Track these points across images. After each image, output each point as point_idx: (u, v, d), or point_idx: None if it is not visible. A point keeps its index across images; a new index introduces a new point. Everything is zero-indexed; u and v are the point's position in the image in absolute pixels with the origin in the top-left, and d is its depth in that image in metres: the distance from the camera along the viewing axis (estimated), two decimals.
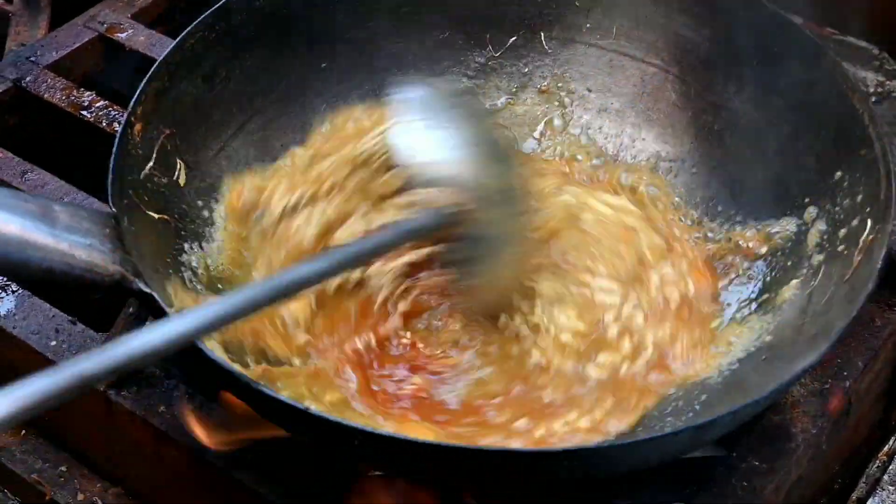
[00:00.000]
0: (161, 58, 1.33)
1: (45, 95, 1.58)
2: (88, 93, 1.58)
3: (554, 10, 1.53)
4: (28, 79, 1.59)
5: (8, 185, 1.47)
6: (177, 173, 1.35)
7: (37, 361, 1.32)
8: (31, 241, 1.09)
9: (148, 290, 1.14)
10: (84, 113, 1.56)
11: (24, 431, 1.41)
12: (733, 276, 1.37)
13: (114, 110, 1.55)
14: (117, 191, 1.22)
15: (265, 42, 1.44)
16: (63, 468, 1.39)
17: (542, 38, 1.54)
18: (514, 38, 1.54)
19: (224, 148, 1.41)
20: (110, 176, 1.23)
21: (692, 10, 1.47)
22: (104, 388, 1.28)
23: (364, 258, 1.16)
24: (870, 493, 1.28)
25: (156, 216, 1.29)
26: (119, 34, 1.66)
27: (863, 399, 1.32)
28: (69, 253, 1.11)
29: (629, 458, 1.10)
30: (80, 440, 1.39)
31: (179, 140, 1.35)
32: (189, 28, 1.36)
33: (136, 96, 1.29)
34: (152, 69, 1.32)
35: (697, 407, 1.22)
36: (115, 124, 1.53)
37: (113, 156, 1.24)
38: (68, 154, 1.57)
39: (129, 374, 1.28)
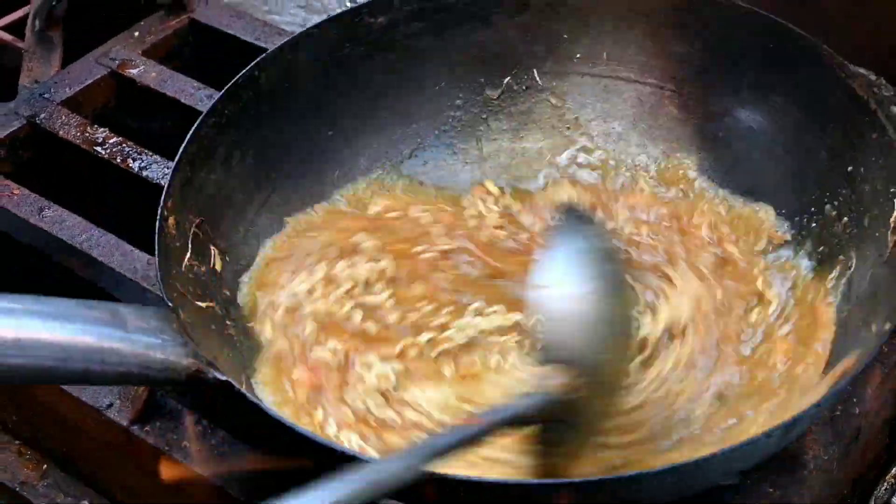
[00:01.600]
0: (181, 149, 1.34)
1: (60, 132, 1.59)
2: (102, 129, 1.58)
3: (543, 46, 1.56)
4: (42, 115, 1.60)
5: (26, 222, 1.47)
6: (213, 260, 1.36)
7: None
8: (107, 348, 1.10)
9: (224, 377, 1.15)
10: (98, 149, 1.56)
11: (45, 466, 1.41)
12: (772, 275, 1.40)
13: (127, 146, 1.56)
14: (167, 285, 1.23)
15: (273, 118, 1.46)
16: (85, 503, 1.38)
17: (536, 74, 1.57)
18: (507, 79, 1.57)
19: (251, 227, 1.43)
20: (158, 273, 1.24)
21: (680, 24, 1.51)
22: (127, 424, 1.28)
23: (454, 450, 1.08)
24: None
25: (203, 305, 1.30)
26: (131, 70, 1.67)
27: (872, 424, 1.35)
28: (144, 353, 1.12)
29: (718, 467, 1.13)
30: (102, 475, 1.39)
31: (210, 227, 1.36)
32: (202, 116, 1.37)
33: (164, 190, 1.30)
34: (175, 161, 1.33)
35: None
36: (130, 160, 1.54)
37: (157, 252, 1.25)
38: (84, 190, 1.58)
39: (151, 408, 1.29)
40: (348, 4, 1.92)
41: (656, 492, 1.10)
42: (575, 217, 1.31)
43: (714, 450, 1.08)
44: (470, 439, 1.07)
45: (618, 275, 1.26)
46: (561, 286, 1.18)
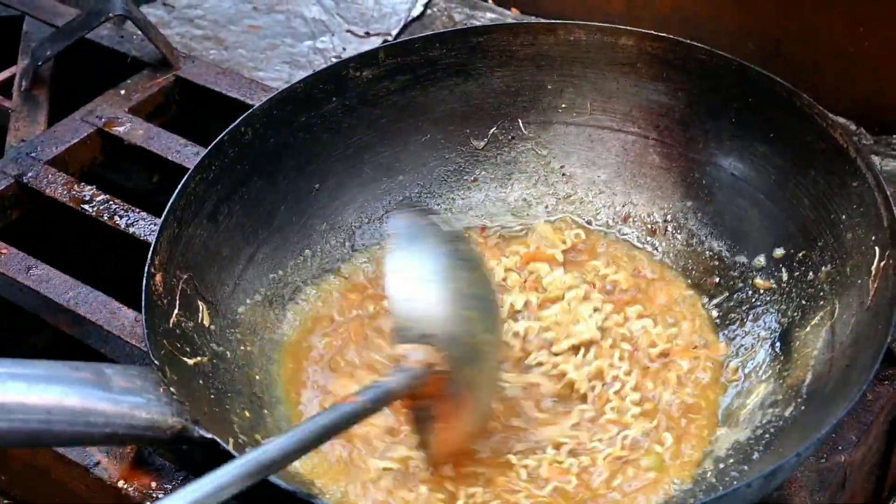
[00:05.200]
0: (168, 205, 1.35)
1: (47, 191, 1.60)
2: (89, 187, 1.59)
3: (528, 97, 1.58)
4: (30, 174, 1.61)
5: (13, 281, 1.48)
6: (201, 315, 1.36)
7: None
8: (92, 409, 1.11)
9: (209, 435, 1.15)
10: (85, 207, 1.57)
11: None
12: (749, 322, 1.40)
13: (114, 204, 1.57)
14: (154, 343, 1.24)
15: (259, 173, 1.47)
16: None
17: (521, 125, 1.59)
18: (493, 130, 1.59)
19: (239, 282, 1.44)
20: (145, 331, 1.25)
21: (661, 76, 1.53)
22: (115, 481, 1.29)
23: (347, 424, 1.16)
24: None
25: (191, 362, 1.30)
26: (117, 128, 1.68)
27: (857, 472, 1.35)
28: (129, 414, 1.13)
29: None
30: None
31: (197, 282, 1.37)
32: (189, 172, 1.39)
33: (152, 247, 1.31)
34: (163, 217, 1.34)
35: (755, 458, 1.25)
36: (116, 218, 1.55)
37: (143, 310, 1.27)
38: (71, 248, 1.59)
39: (139, 466, 1.30)
40: (333, 60, 1.94)
41: None
42: (412, 210, 1.40)
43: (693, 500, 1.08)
44: (345, 420, 1.13)
45: (461, 253, 1.33)
46: (406, 270, 1.27)
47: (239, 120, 1.45)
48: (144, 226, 1.53)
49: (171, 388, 1.18)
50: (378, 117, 1.55)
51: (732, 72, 1.47)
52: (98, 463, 1.30)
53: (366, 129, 1.55)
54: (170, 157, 1.62)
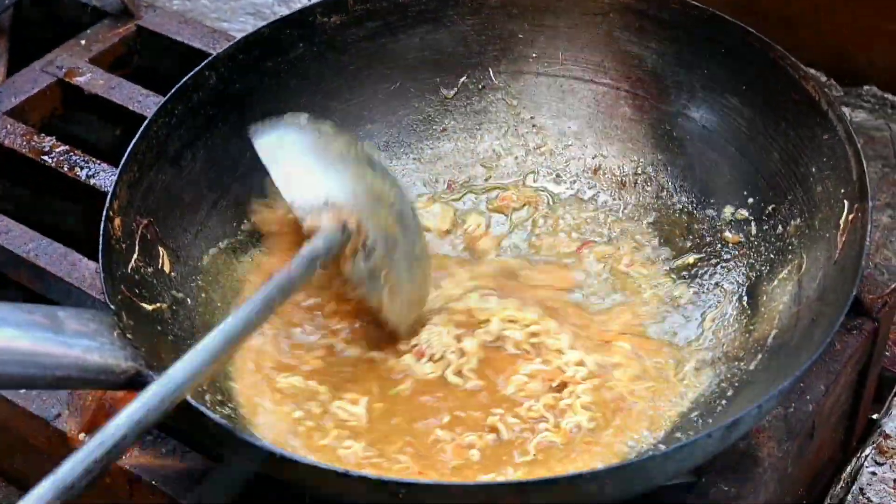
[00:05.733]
0: (129, 149, 1.33)
1: (5, 142, 1.57)
2: (49, 138, 1.57)
3: (499, 46, 1.55)
4: None
5: None
6: (161, 261, 1.34)
7: None
8: (43, 352, 1.09)
9: None
10: (45, 158, 1.55)
11: None
12: (717, 276, 1.39)
13: (75, 155, 1.55)
14: (111, 288, 1.22)
15: (224, 119, 1.45)
16: None
17: (492, 74, 1.56)
18: (463, 79, 1.56)
19: (202, 229, 1.41)
20: (101, 274, 1.23)
21: (634, 25, 1.50)
22: (77, 433, 1.28)
23: (283, 296, 1.18)
24: None
25: (149, 307, 1.28)
26: (78, 78, 1.66)
27: (826, 422, 1.34)
28: (82, 357, 1.11)
29: (664, 469, 1.12)
30: None
31: (158, 228, 1.35)
32: (151, 115, 1.36)
33: (111, 190, 1.29)
34: (123, 161, 1.32)
35: (718, 410, 1.24)
36: (77, 169, 1.53)
37: (100, 254, 1.24)
38: (31, 200, 1.56)
39: (101, 418, 1.27)
40: None
41: (600, 493, 1.09)
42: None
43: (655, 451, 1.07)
44: (280, 293, 1.16)
45: (324, 131, 1.37)
46: (282, 158, 1.32)
47: (203, 63, 1.42)
48: (105, 177, 1.51)
49: (126, 333, 1.15)
50: (346, 64, 1.53)
51: (705, 22, 1.45)
52: (58, 415, 1.29)
53: (333, 77, 1.52)
54: (132, 108, 1.60)
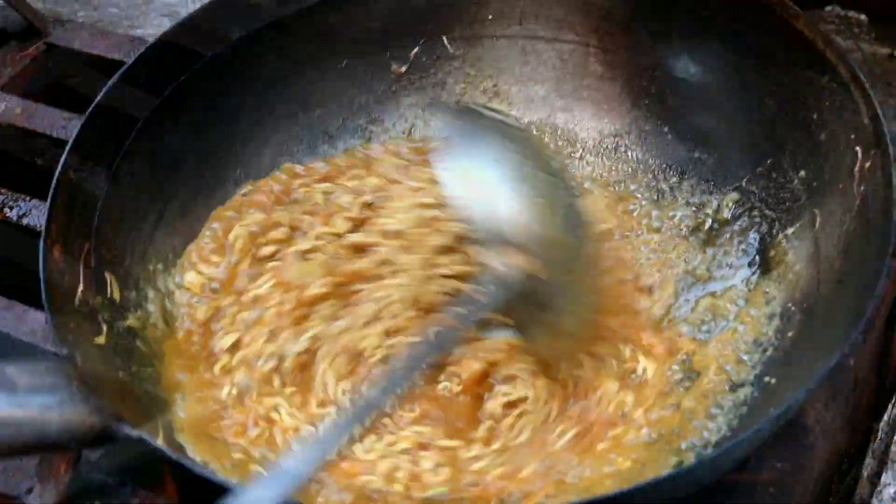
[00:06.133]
0: (58, 169, 1.18)
1: None
2: None
3: (451, 10, 1.42)
4: None
5: None
6: (109, 288, 1.20)
7: None
8: None
9: (136, 432, 1.00)
10: None
11: None
12: (722, 246, 1.28)
13: (0, 194, 1.40)
14: (60, 328, 1.08)
15: (160, 120, 1.30)
16: None
17: (446, 42, 1.43)
18: (415, 50, 1.43)
19: (149, 245, 1.27)
20: (48, 314, 1.08)
21: None
22: None
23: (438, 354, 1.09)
24: (881, 468, 1.21)
25: (102, 341, 1.14)
26: None
27: (864, 371, 1.26)
28: (40, 418, 0.98)
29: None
30: None
31: (102, 251, 1.20)
32: (77, 131, 1.21)
33: (46, 216, 1.15)
34: (54, 183, 1.17)
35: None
36: (6, 209, 1.39)
37: (43, 289, 1.10)
38: None
39: (78, 488, 1.14)
40: None
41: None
42: (469, 114, 1.25)
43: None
44: (447, 345, 1.07)
45: (529, 150, 1.20)
46: (470, 172, 1.13)
47: (131, 62, 1.27)
48: (38, 215, 1.35)
49: (86, 380, 1.01)
50: (289, 45, 1.39)
51: None
52: (30, 490, 1.14)
53: (276, 60, 1.39)
54: (55, 134, 1.44)
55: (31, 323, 1.26)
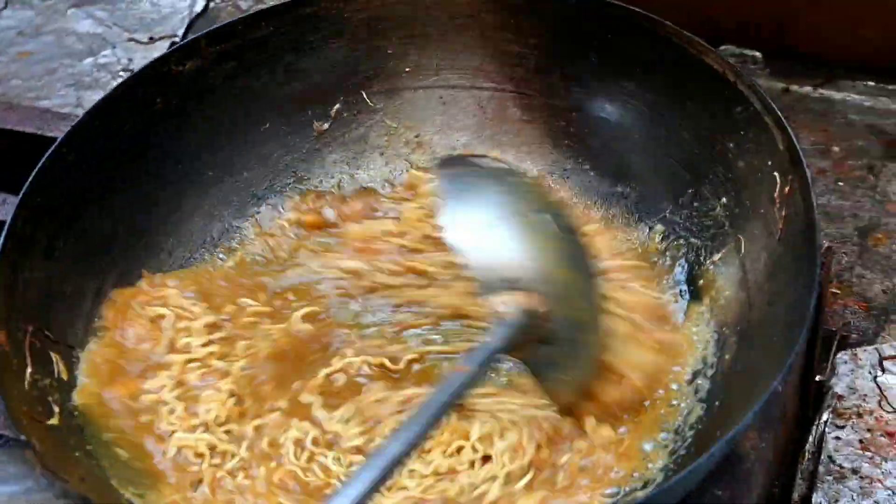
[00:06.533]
0: None
1: None
2: None
3: (369, 65, 1.45)
4: None
5: None
6: (56, 368, 1.20)
7: None
8: None
9: None
10: None
11: None
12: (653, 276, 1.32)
13: None
14: (15, 414, 1.08)
15: (89, 196, 1.31)
16: None
17: (366, 96, 1.46)
18: (337, 106, 1.45)
19: (90, 322, 1.27)
20: (2, 403, 1.08)
21: (508, 23, 1.42)
22: None
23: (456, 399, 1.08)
24: (811, 488, 1.26)
25: (55, 423, 1.15)
26: None
27: (790, 397, 1.29)
28: None
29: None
30: None
31: (46, 331, 1.21)
32: (13, 210, 1.21)
33: None
34: None
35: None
36: None
37: None
38: None
39: None
40: (122, 76, 1.76)
41: None
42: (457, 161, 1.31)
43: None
44: (462, 390, 1.07)
45: (520, 189, 1.24)
46: (465, 219, 1.19)
47: (59, 140, 1.28)
48: None
49: (47, 465, 1.02)
50: (211, 111, 1.40)
51: (586, 10, 1.37)
52: None
53: (199, 127, 1.40)
54: None
55: None
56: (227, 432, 1.19)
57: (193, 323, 1.27)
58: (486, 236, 1.17)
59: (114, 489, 1.12)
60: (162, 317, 1.26)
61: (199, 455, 1.17)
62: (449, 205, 1.20)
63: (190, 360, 1.24)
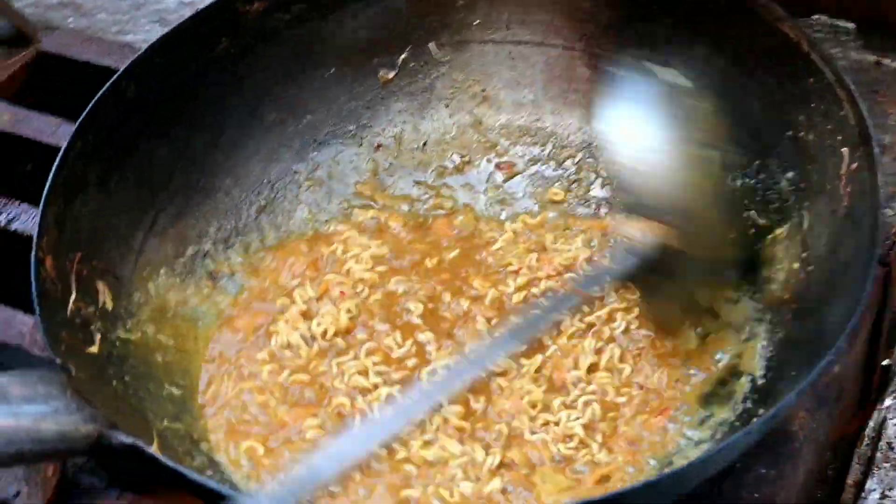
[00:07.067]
0: (49, 180, 1.18)
1: None
2: None
3: (438, 16, 1.43)
4: None
5: None
6: (101, 297, 1.20)
7: None
8: None
9: (130, 440, 1.00)
10: None
11: None
12: None
13: None
14: (53, 339, 1.08)
15: (148, 131, 1.31)
16: None
17: (433, 48, 1.44)
18: (403, 56, 1.43)
19: (140, 256, 1.27)
20: (41, 324, 1.09)
21: None
22: None
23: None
24: (866, 473, 1.21)
25: (95, 351, 1.15)
26: None
27: (849, 379, 1.26)
28: (34, 428, 0.98)
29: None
30: None
31: (94, 261, 1.21)
32: (68, 141, 1.21)
33: (37, 228, 1.15)
34: (45, 194, 1.17)
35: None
36: None
37: (35, 301, 1.10)
38: None
39: (65, 490, 1.14)
40: None
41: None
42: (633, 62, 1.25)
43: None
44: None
45: (699, 120, 1.20)
46: (628, 130, 1.15)
47: (119, 73, 1.28)
48: (27, 219, 1.36)
49: (80, 389, 1.02)
50: (276, 54, 1.39)
51: None
52: (17, 494, 1.14)
53: (264, 69, 1.39)
54: (44, 140, 1.44)
55: (18, 326, 1.26)
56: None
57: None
58: (645, 156, 1.13)
59: (147, 420, 1.12)
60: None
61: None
62: (614, 108, 1.16)
63: None
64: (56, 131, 1.45)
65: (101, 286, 1.21)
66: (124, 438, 1.00)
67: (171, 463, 0.99)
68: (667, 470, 1.07)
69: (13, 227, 1.36)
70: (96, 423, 1.00)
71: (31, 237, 1.14)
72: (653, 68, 1.25)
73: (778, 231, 1.24)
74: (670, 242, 1.10)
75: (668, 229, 1.11)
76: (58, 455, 1.04)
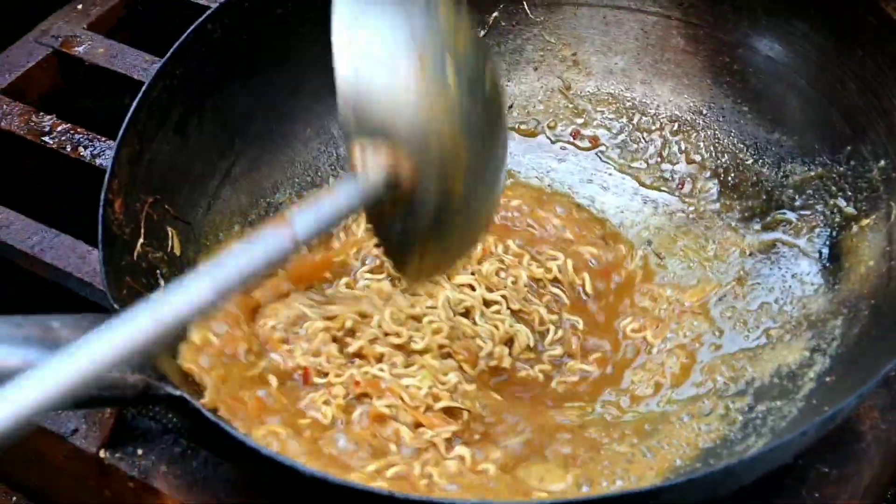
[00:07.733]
0: (126, 120, 1.18)
1: (2, 123, 1.42)
2: (49, 116, 1.42)
3: None
4: None
5: None
6: (170, 243, 1.21)
7: None
8: None
9: (178, 392, 1.00)
10: (46, 139, 1.40)
11: (14, 498, 1.26)
12: (790, 232, 1.24)
13: (77, 133, 1.40)
14: (113, 283, 1.08)
15: (231, 76, 1.30)
16: None
17: (526, 7, 1.40)
18: (495, 14, 1.40)
19: (214, 202, 1.27)
20: (102, 268, 1.09)
21: None
22: (95, 450, 1.13)
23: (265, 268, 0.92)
24: None
25: None
26: (76, 48, 1.50)
27: None
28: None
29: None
30: None
31: (165, 205, 1.21)
32: (149, 79, 1.21)
33: (108, 170, 1.15)
34: (119, 135, 1.17)
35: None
36: (81, 149, 1.39)
37: (100, 245, 1.10)
38: (32, 186, 1.42)
39: (121, 431, 1.13)
40: None
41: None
42: None
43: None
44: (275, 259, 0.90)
45: (454, 26, 0.97)
46: (363, 35, 0.94)
47: (206, 15, 1.27)
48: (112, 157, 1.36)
49: None
50: None
51: None
52: (76, 430, 1.15)
53: None
54: (136, 76, 1.45)
55: (93, 263, 1.26)
56: None
57: None
58: (383, 64, 0.91)
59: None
60: None
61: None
62: (348, 21, 0.94)
63: None
64: (148, 68, 1.46)
65: (170, 231, 1.21)
66: (171, 390, 1.00)
67: (212, 418, 0.98)
68: (718, 465, 1.03)
69: (98, 162, 1.37)
70: (144, 374, 1.00)
71: None
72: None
73: (864, 221, 1.19)
74: (401, 174, 0.92)
75: (399, 157, 0.93)
76: (102, 402, 1.04)
